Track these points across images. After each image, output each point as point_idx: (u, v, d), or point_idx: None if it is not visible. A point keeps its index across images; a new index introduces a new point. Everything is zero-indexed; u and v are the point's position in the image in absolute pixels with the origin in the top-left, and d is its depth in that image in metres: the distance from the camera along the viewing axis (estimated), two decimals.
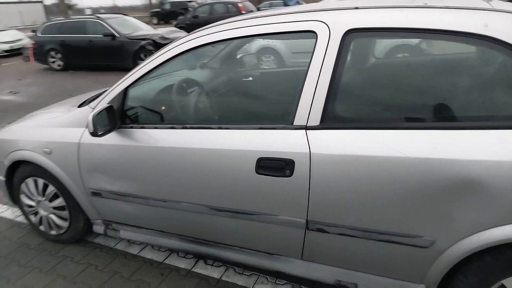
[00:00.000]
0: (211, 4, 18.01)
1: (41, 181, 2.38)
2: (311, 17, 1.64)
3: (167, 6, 31.26)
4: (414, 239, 1.49)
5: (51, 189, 2.36)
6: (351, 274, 1.72)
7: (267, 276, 2.14)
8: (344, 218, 1.58)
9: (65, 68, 10.11)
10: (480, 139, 1.34)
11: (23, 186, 2.48)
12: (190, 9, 22.12)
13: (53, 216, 2.47)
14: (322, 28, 1.59)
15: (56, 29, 10.04)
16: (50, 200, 2.41)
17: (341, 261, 1.71)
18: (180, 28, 17.42)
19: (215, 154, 1.74)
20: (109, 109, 1.91)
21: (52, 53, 10.09)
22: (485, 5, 1.48)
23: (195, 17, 17.57)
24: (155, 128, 1.91)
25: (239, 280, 2.13)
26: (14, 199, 2.62)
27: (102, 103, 2.01)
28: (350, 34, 1.55)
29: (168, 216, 2.02)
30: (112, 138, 2.00)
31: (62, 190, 2.32)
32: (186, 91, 2.17)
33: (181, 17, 18.72)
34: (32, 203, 2.51)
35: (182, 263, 2.30)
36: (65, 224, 2.45)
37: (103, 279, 2.20)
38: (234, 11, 17.47)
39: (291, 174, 1.60)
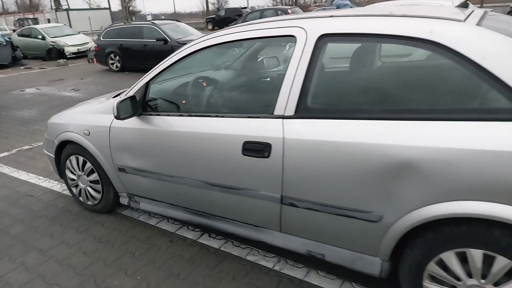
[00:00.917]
0: (261, 11, 18.53)
1: (81, 159, 2.87)
2: (293, 24, 1.94)
3: (222, 13, 32.38)
4: (366, 214, 1.73)
5: (88, 165, 2.85)
6: (320, 245, 1.98)
7: (259, 250, 2.45)
8: (310, 194, 1.85)
9: (122, 70, 11.06)
10: (416, 128, 1.56)
11: (67, 162, 3.00)
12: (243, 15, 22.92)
13: (89, 189, 2.96)
14: (300, 33, 1.89)
15: (116, 34, 11.04)
16: (88, 175, 2.90)
17: (310, 233, 1.98)
18: None
19: (211, 137, 2.09)
20: (132, 99, 2.34)
21: (112, 55, 11.09)
22: (443, 13, 1.70)
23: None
24: (168, 115, 2.31)
25: (234, 251, 2.46)
26: (61, 173, 3.15)
27: (128, 94, 2.44)
28: (323, 38, 1.83)
29: (174, 190, 2.40)
30: (134, 123, 2.42)
31: (97, 166, 2.79)
32: (193, 86, 2.55)
33: (232, 24, 19.46)
34: (74, 177, 3.02)
35: (190, 234, 2.67)
36: (98, 195, 2.93)
37: (123, 241, 2.63)
38: None
39: (269, 156, 1.91)
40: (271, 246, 2.17)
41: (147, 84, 2.42)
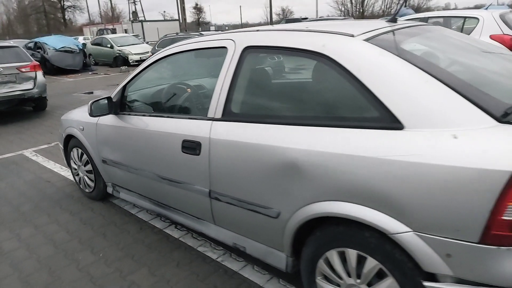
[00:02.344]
0: (317, 21, 18.59)
1: (79, 151, 3.31)
2: (227, 37, 2.16)
3: (283, 23, 32.92)
4: (268, 210, 1.88)
5: (85, 157, 3.28)
6: (242, 239, 2.15)
7: (211, 242, 2.66)
8: (229, 189, 2.04)
9: None
10: (302, 133, 1.69)
11: (71, 153, 3.47)
12: None
13: (86, 178, 3.39)
14: (231, 44, 2.10)
15: (168, 43, 11.88)
16: (84, 165, 3.34)
17: (234, 226, 2.16)
18: None
19: (161, 135, 2.36)
20: (108, 99, 2.70)
21: None
22: (344, 28, 1.82)
23: None
24: (135, 115, 2.63)
25: (190, 241, 2.69)
26: (68, 163, 3.64)
27: (108, 94, 2.81)
28: (247, 49, 2.03)
29: (139, 181, 2.71)
30: (112, 120, 2.78)
31: (90, 158, 3.21)
32: (152, 91, 2.85)
33: None
34: (75, 167, 3.48)
35: (159, 224, 2.96)
36: (92, 184, 3.35)
37: (102, 225, 2.99)
38: None
39: (199, 153, 2.14)
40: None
41: (124, 87, 2.77)
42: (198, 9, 71.16)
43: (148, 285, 2.25)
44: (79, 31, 53.07)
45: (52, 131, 6.10)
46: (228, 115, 2.04)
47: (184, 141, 2.21)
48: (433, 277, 1.42)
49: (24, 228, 3.02)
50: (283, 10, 67.15)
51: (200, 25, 60.76)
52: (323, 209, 1.63)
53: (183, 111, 2.44)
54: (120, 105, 2.78)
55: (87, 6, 72.69)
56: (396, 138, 1.45)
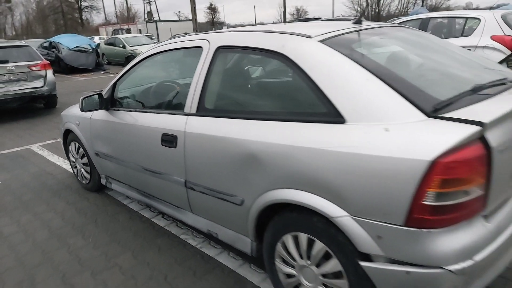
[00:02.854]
0: (327, 21, 18.57)
1: (76, 144, 3.53)
2: (203, 37, 2.33)
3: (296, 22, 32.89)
4: (233, 198, 2.03)
5: (81, 150, 3.49)
6: (214, 225, 2.32)
7: (193, 231, 2.83)
8: (201, 179, 2.21)
9: None
10: (261, 127, 1.84)
11: (69, 147, 3.69)
12: None
13: (83, 170, 3.61)
14: (206, 44, 2.27)
15: None
16: (81, 158, 3.55)
17: (207, 214, 2.32)
18: None
19: (144, 129, 2.54)
20: (99, 95, 2.89)
21: None
22: (303, 29, 1.96)
23: None
24: (123, 111, 2.82)
25: (173, 230, 2.87)
26: (68, 156, 3.86)
27: (100, 91, 3.00)
28: (220, 49, 2.19)
29: (127, 173, 2.90)
30: (103, 115, 2.98)
31: (85, 151, 3.42)
32: (138, 89, 3.03)
33: None
34: (73, 160, 3.70)
35: (147, 214, 3.14)
36: (88, 176, 3.56)
37: (95, 213, 3.20)
38: None
39: (176, 146, 2.31)
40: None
41: (114, 84, 2.96)
42: (212, 9, 71.73)
43: (130, 267, 2.44)
44: (95, 31, 54.07)
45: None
46: (201, 111, 2.20)
47: (163, 135, 2.39)
48: (368, 258, 1.55)
49: (23, 215, 3.24)
50: (297, 10, 67.08)
51: (214, 25, 61.22)
52: (277, 196, 1.78)
53: (164, 107, 2.62)
54: (111, 101, 2.97)
55: (103, 6, 74.02)
56: (338, 131, 1.59)
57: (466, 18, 6.85)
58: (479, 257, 1.42)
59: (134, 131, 2.65)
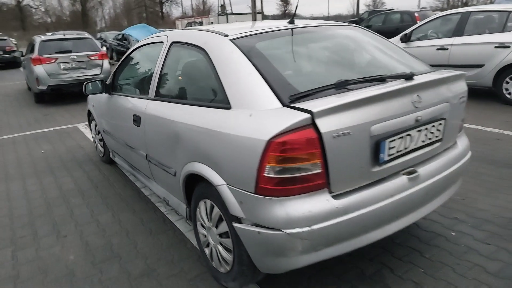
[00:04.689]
0: (386, 14, 17.94)
1: (94, 123, 4.19)
2: (165, 33, 2.76)
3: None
4: (170, 169, 2.44)
5: (97, 127, 4.14)
6: (167, 193, 2.74)
7: (174, 211, 3.28)
8: (154, 153, 2.65)
9: None
10: (182, 110, 2.22)
11: (91, 125, 4.37)
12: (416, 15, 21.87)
13: (99, 145, 4.27)
14: (165, 39, 2.69)
15: None
16: (97, 134, 4.21)
17: (162, 183, 2.76)
18: None
19: (124, 110, 3.05)
20: (101, 81, 3.47)
21: None
22: (228, 29, 2.28)
23: (368, 26, 17.77)
24: (116, 95, 3.36)
25: (154, 198, 3.36)
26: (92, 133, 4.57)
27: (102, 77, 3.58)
28: (173, 44, 2.60)
29: (119, 147, 3.45)
30: (105, 99, 3.56)
31: (99, 128, 4.06)
32: (126, 76, 3.52)
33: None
34: (93, 136, 4.38)
35: (139, 184, 3.68)
36: (102, 150, 4.21)
37: (100, 180, 3.83)
38: (409, 21, 16.82)
39: (140, 125, 2.77)
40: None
41: (114, 72, 3.52)
42: (284, 1, 71.87)
43: (105, 223, 2.98)
44: (172, 24, 57.40)
45: None
46: (156, 95, 2.64)
47: (134, 115, 2.87)
48: (239, 220, 1.86)
49: (47, 178, 3.99)
50: (373, 1, 64.33)
51: (286, 17, 61.30)
52: (189, 168, 2.16)
53: (137, 92, 3.09)
54: (112, 87, 3.54)
55: (181, 0, 78.07)
56: (224, 115, 1.91)
57: (509, 12, 6.37)
58: (316, 226, 1.66)
59: (119, 112, 3.18)
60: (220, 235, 2.07)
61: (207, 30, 2.38)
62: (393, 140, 1.82)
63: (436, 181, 2.03)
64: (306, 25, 2.43)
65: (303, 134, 1.60)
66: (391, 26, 15.87)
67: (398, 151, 1.87)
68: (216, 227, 2.10)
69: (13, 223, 3.07)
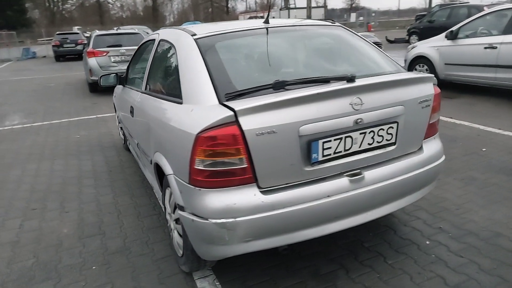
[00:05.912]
0: (452, 8, 16.74)
1: (117, 112, 4.56)
2: (158, 32, 2.95)
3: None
4: (148, 157, 2.64)
5: (119, 116, 4.50)
6: (152, 179, 2.94)
7: None
8: (140, 142, 2.87)
9: None
10: (153, 101, 2.41)
11: (116, 115, 4.77)
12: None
13: (120, 133, 4.64)
14: (157, 37, 2.89)
15: None
16: (119, 123, 4.57)
17: (147, 170, 2.97)
18: (412, 33, 17.31)
19: (127, 101, 3.32)
20: (115, 75, 3.78)
21: None
22: (199, 29, 2.41)
23: (431, 21, 16.63)
24: (127, 87, 3.64)
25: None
26: None
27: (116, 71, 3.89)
28: (161, 41, 2.79)
29: (128, 137, 3.74)
30: (120, 91, 3.87)
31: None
32: (133, 71, 3.76)
33: (415, 22, 18.32)
34: (117, 123, 4.77)
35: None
36: (123, 137, 4.57)
37: (115, 165, 4.17)
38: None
39: (133, 116, 3.01)
40: None
41: (128, 67, 3.80)
42: None
43: (105, 203, 3.27)
44: (236, 18, 58.53)
45: None
46: (146, 89, 2.85)
47: (131, 107, 3.12)
48: (183, 208, 1.99)
49: (72, 160, 4.43)
50: None
51: (351, 11, 59.57)
52: (154, 158, 2.34)
53: (137, 85, 3.33)
54: (125, 80, 3.83)
55: None
56: (176, 109, 2.06)
57: None
58: (241, 219, 1.74)
59: (125, 103, 3.45)
60: (176, 221, 2.22)
61: (183, 29, 2.52)
62: (329, 141, 1.83)
63: (386, 185, 1.99)
64: (278, 25, 2.47)
65: (227, 131, 1.68)
66: (457, 22, 14.80)
67: (336, 152, 1.87)
68: (174, 213, 2.26)
69: (31, 196, 3.49)
